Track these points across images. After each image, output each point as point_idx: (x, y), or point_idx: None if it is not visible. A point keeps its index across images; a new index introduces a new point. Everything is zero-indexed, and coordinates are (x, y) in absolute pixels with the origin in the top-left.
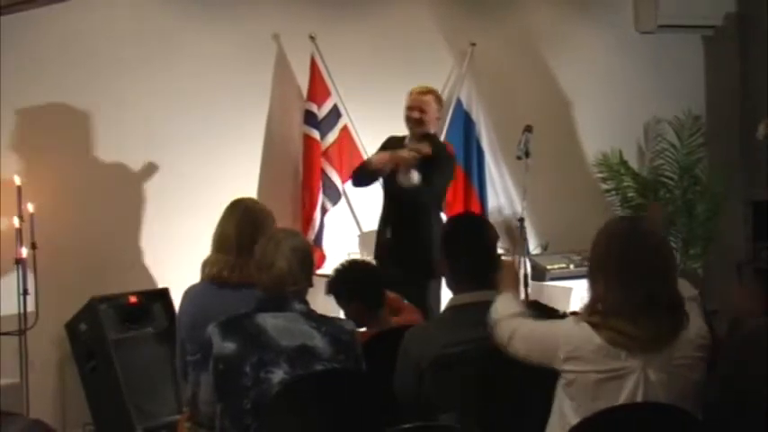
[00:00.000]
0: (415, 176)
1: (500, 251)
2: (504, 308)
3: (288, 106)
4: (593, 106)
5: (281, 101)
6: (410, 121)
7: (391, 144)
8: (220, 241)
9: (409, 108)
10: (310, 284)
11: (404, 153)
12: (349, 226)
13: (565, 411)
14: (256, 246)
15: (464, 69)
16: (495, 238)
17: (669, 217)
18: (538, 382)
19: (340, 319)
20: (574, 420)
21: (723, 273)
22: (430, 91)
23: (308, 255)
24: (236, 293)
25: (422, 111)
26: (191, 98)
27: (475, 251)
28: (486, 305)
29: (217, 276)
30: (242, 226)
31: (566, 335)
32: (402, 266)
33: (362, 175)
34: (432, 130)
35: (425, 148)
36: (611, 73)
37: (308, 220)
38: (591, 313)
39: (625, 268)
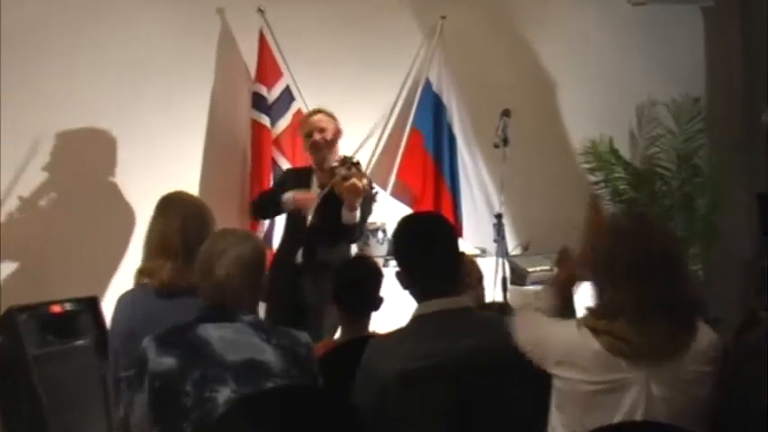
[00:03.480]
0: (357, 214)
1: (468, 249)
2: (528, 306)
3: (234, 89)
4: (579, 88)
5: (226, 83)
6: (316, 147)
7: (293, 179)
8: (160, 244)
9: (307, 135)
10: (256, 298)
11: (352, 188)
12: None
13: (554, 427)
14: (201, 248)
15: (433, 46)
16: (454, 234)
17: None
18: (520, 399)
19: (293, 331)
20: None
21: (726, 275)
22: (320, 110)
23: (255, 266)
24: (177, 302)
25: (321, 130)
26: (123, 80)
27: (434, 251)
28: (457, 313)
29: (158, 284)
30: (187, 225)
31: (562, 336)
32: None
33: (268, 211)
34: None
35: (362, 182)
36: (600, 50)
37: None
38: (592, 317)
39: (632, 269)
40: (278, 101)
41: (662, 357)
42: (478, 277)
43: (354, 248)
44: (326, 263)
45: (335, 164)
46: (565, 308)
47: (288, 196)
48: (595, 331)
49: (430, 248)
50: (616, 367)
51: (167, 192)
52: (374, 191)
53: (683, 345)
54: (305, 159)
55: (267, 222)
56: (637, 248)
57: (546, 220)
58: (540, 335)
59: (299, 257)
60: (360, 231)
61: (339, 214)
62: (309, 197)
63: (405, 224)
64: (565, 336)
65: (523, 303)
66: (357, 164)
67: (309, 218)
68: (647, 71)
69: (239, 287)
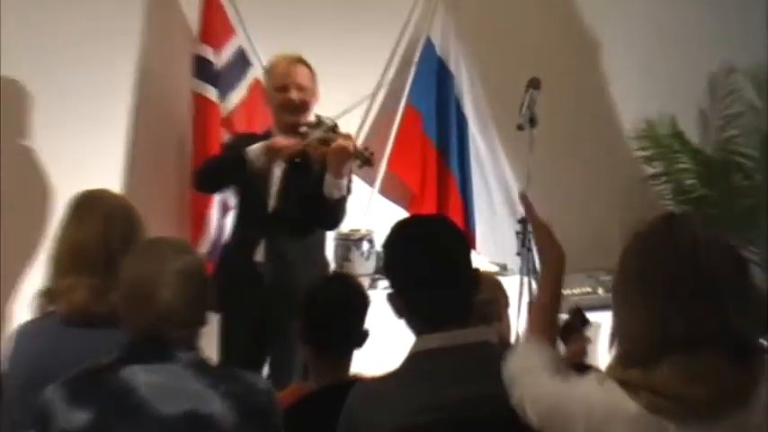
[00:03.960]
0: (345, 183)
1: (484, 265)
2: (518, 358)
3: (170, 51)
4: (631, 52)
5: (160, 43)
6: (291, 107)
7: (245, 144)
8: (72, 256)
9: (281, 88)
10: (203, 323)
11: (339, 150)
12: None
13: None
14: (123, 265)
15: None
16: (467, 245)
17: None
18: None
19: (249, 374)
20: None
21: None
22: (301, 60)
23: (203, 280)
24: (95, 335)
25: (301, 88)
26: (26, 44)
27: (438, 265)
28: (469, 351)
29: (69, 310)
30: (110, 231)
31: (585, 400)
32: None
33: (228, 176)
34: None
35: (350, 143)
36: (659, 2)
37: (199, 221)
38: (622, 365)
39: (669, 293)
40: (228, 67)
41: (722, 412)
42: (505, 303)
43: (330, 250)
44: (294, 262)
45: (304, 128)
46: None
47: (256, 147)
48: (628, 386)
49: (433, 262)
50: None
51: (82, 190)
52: (369, 152)
53: (746, 393)
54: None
55: (216, 227)
56: (682, 262)
57: (586, 226)
58: (558, 404)
59: (260, 254)
60: (343, 212)
61: (309, 194)
62: (293, 142)
63: (399, 230)
64: (586, 400)
65: (513, 370)
66: (335, 127)
67: (272, 201)
68: (723, 29)
69: (185, 315)
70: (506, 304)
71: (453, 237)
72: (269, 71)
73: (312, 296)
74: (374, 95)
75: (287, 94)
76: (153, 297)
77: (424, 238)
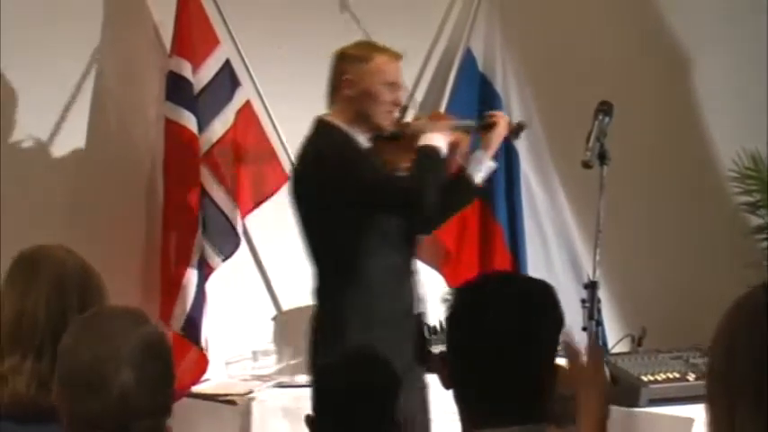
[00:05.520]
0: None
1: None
2: None
3: (136, 66)
4: (727, 68)
5: (124, 58)
6: (398, 106)
7: (365, 154)
8: (11, 332)
9: (393, 85)
10: (167, 414)
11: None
12: (257, 299)
13: None
14: (62, 344)
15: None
16: (558, 324)
17: None
18: None
19: None
20: None
21: None
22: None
23: (166, 362)
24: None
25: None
26: None
27: (511, 351)
28: None
29: (11, 401)
30: (59, 300)
31: None
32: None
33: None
34: None
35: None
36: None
37: (171, 286)
38: None
39: None
40: (212, 86)
41: None
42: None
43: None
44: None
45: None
46: None
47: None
48: None
49: (503, 345)
50: None
51: (26, 246)
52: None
53: None
54: (261, 183)
55: (193, 294)
56: None
57: (674, 292)
58: None
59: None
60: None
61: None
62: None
63: (471, 293)
64: None
65: None
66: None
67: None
68: None
69: (148, 402)
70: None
71: (551, 307)
72: (374, 63)
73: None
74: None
75: (399, 93)
76: (105, 381)
77: (498, 305)
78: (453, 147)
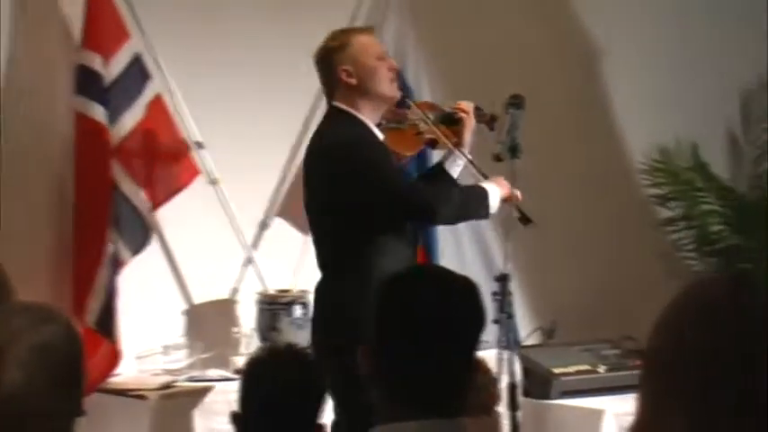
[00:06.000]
0: None
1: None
2: None
3: (46, 59)
4: (642, 60)
5: (31, 50)
6: (396, 75)
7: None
8: None
9: (381, 57)
10: (78, 412)
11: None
12: (168, 293)
13: None
14: None
15: None
16: (480, 321)
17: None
18: None
19: None
20: None
21: None
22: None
23: (69, 363)
24: None
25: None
26: None
27: (447, 334)
28: None
29: None
30: None
31: None
32: None
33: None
34: None
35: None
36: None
37: (83, 280)
38: None
39: (727, 381)
40: (121, 80)
41: None
42: (494, 394)
43: (251, 318)
44: None
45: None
46: None
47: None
48: None
49: (445, 327)
50: None
51: None
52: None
53: None
54: (174, 178)
55: (105, 288)
56: (742, 339)
57: (585, 285)
58: None
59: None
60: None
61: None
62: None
63: (414, 283)
64: None
65: None
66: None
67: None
68: (758, 35)
69: (44, 403)
70: (497, 396)
71: (473, 301)
72: (358, 43)
73: (251, 381)
74: (310, 116)
75: (390, 60)
76: None
77: (447, 295)
78: (506, 201)
